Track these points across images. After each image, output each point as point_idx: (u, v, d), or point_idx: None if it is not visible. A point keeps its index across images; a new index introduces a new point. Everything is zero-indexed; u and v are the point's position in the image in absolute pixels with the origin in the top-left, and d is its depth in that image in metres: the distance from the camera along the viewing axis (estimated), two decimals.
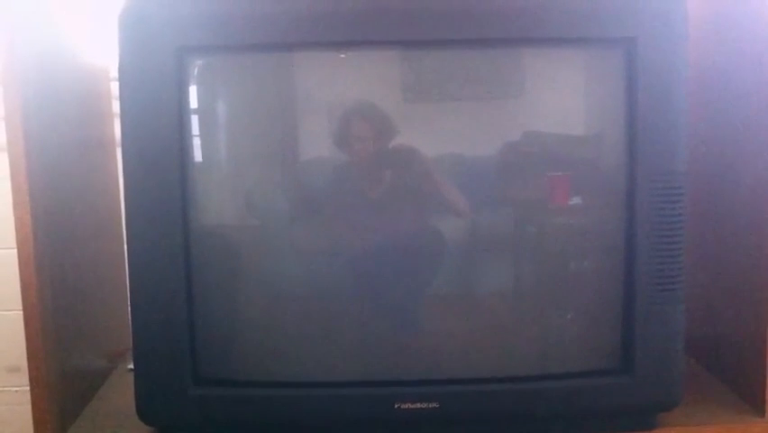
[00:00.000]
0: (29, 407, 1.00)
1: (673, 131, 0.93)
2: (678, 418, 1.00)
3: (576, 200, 1.00)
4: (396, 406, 0.96)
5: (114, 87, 1.25)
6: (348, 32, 0.93)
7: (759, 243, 1.00)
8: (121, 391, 1.14)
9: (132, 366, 1.01)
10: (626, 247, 0.96)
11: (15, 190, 0.95)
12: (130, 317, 0.98)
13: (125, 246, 0.96)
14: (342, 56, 0.97)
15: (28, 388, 1.00)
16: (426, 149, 0.97)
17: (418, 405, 0.96)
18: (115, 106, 1.24)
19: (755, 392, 1.02)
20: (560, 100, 0.99)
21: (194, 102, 0.95)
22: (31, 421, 1.00)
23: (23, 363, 0.99)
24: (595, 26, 0.93)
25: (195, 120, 0.96)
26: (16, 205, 0.95)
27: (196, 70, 0.95)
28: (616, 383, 0.98)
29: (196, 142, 0.96)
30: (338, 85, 0.98)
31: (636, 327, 0.96)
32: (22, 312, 0.98)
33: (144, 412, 0.98)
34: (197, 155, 0.96)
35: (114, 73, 1.22)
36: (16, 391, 1.41)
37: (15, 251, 0.96)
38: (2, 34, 0.94)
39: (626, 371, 0.97)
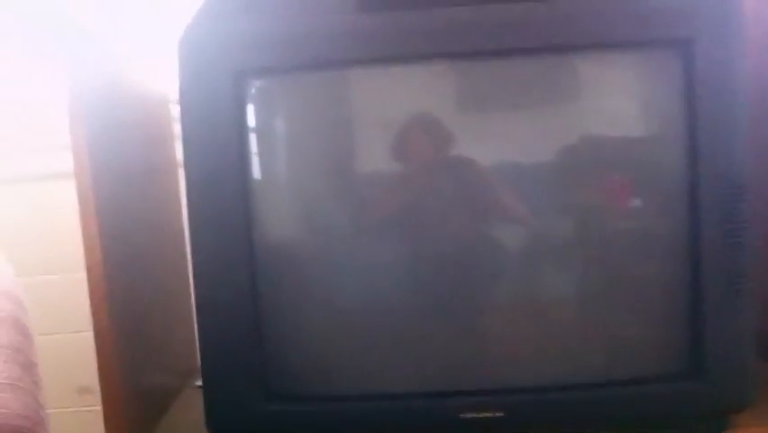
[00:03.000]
0: (100, 426, 1.02)
1: (734, 131, 0.92)
2: (748, 418, 0.99)
3: (638, 203, 0.99)
4: (461, 415, 0.97)
5: (174, 110, 1.29)
6: (401, 46, 0.94)
7: None
8: (190, 409, 1.16)
9: (200, 383, 1.02)
10: (691, 250, 0.95)
11: (84, 216, 0.98)
12: (197, 335, 0.99)
13: (189, 265, 0.98)
14: (397, 70, 0.98)
15: (98, 408, 1.01)
16: (485, 159, 0.97)
17: (483, 414, 0.96)
18: (176, 129, 1.28)
19: None
20: (618, 104, 0.98)
21: (254, 122, 0.97)
22: None
23: (93, 383, 1.01)
24: (651, 28, 0.92)
25: (255, 140, 0.97)
26: (85, 229, 0.98)
27: (254, 92, 0.97)
28: (685, 387, 0.97)
29: (258, 161, 0.98)
30: (394, 99, 0.99)
31: (705, 330, 0.95)
32: (90, 333, 1.00)
33: (214, 428, 1.00)
34: (259, 174, 0.98)
35: (173, 96, 1.26)
36: (88, 411, 1.45)
37: (82, 274, 0.99)
38: (67, 67, 0.96)
39: (695, 374, 0.96)
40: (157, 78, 1.27)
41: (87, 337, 1.01)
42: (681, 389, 0.97)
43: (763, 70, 1.08)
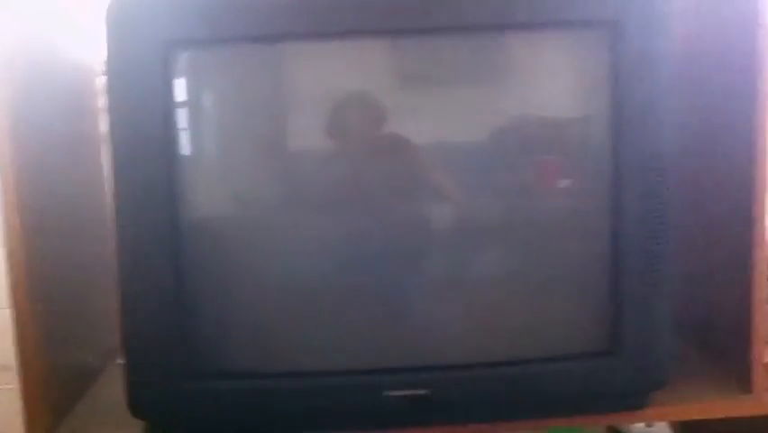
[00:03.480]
0: (18, 405, 1.00)
1: (657, 113, 0.94)
2: (668, 396, 1.02)
3: (563, 183, 1.01)
4: (386, 393, 0.97)
5: (100, 83, 1.25)
6: (335, 22, 0.93)
7: (743, 226, 1.01)
8: (112, 387, 1.14)
9: (122, 361, 1.00)
10: (613, 231, 0.97)
11: (4, 189, 0.95)
12: (120, 312, 0.97)
13: (112, 241, 0.96)
14: (331, 46, 0.97)
15: (16, 386, 1.00)
16: (416, 136, 0.97)
17: (408, 392, 0.97)
18: (101, 102, 1.25)
19: (742, 370, 1.03)
20: (547, 84, 1.00)
21: (183, 96, 0.95)
22: (20, 419, 1.00)
23: (12, 360, 0.99)
24: (579, 9, 0.94)
25: (184, 114, 0.96)
26: (5, 203, 0.95)
27: (184, 64, 0.95)
28: (606, 365, 0.99)
29: (186, 135, 0.96)
30: (327, 75, 0.98)
31: (625, 310, 0.97)
32: (9, 310, 0.97)
33: (135, 406, 0.98)
34: (187, 149, 0.96)
35: (100, 68, 1.22)
36: (6, 389, 1.41)
37: (1, 249, 0.96)
38: None
39: (615, 353, 0.98)
40: (83, 48, 1.24)
41: (5, 315, 0.98)
42: (601, 367, 0.99)
43: (692, 57, 1.10)
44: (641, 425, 1.36)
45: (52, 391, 1.03)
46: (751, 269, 1.01)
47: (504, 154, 1.00)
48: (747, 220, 1.00)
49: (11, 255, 0.96)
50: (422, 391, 0.97)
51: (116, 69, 0.93)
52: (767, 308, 1.06)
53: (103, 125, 1.08)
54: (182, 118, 0.95)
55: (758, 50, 0.96)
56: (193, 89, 0.97)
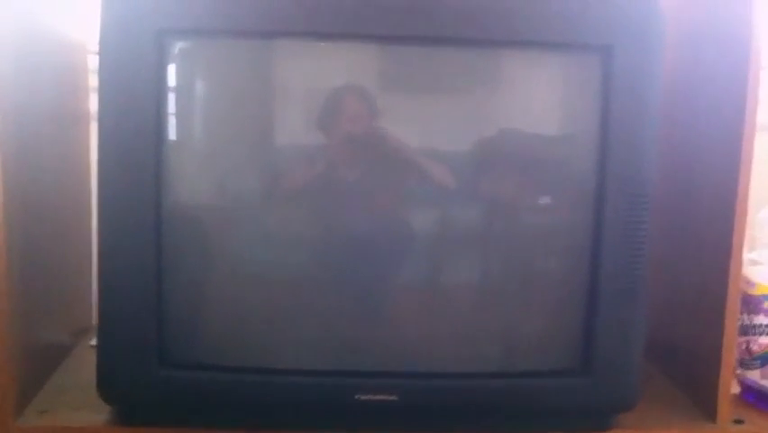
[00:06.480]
0: None
1: (644, 139, 0.95)
2: (632, 420, 1.03)
3: (546, 200, 1.02)
4: (356, 397, 0.97)
5: (91, 61, 1.25)
6: (328, 24, 0.94)
7: (717, 253, 1.02)
8: (82, 368, 1.14)
9: (94, 342, 1.00)
10: (591, 249, 0.97)
11: None
12: (95, 293, 0.97)
13: (93, 221, 0.96)
14: (322, 46, 0.97)
15: None
16: (402, 138, 0.98)
17: (378, 397, 0.97)
18: (92, 80, 1.24)
19: (708, 399, 1.04)
20: (536, 101, 1.00)
21: (173, 83, 0.95)
22: None
23: None
24: (573, 32, 0.94)
25: (173, 101, 0.95)
26: None
27: (177, 53, 0.95)
28: (574, 384, 1.00)
29: (175, 122, 0.96)
30: (316, 73, 0.98)
31: (597, 329, 0.98)
32: None
33: (105, 391, 0.98)
34: (174, 136, 0.96)
35: (92, 47, 1.22)
36: None
37: None
38: None
39: (584, 372, 0.99)
40: (75, 25, 1.23)
41: None
42: (570, 384, 1.00)
43: (678, 80, 1.11)
44: None
45: (21, 369, 1.02)
46: (725, 300, 1.01)
47: (488, 165, 1.01)
48: (725, 250, 1.01)
49: None
50: (392, 397, 0.98)
51: (109, 51, 0.92)
52: (738, 340, 1.08)
53: (93, 104, 1.07)
54: (171, 106, 0.95)
55: (748, 79, 0.97)
56: (183, 78, 0.97)
